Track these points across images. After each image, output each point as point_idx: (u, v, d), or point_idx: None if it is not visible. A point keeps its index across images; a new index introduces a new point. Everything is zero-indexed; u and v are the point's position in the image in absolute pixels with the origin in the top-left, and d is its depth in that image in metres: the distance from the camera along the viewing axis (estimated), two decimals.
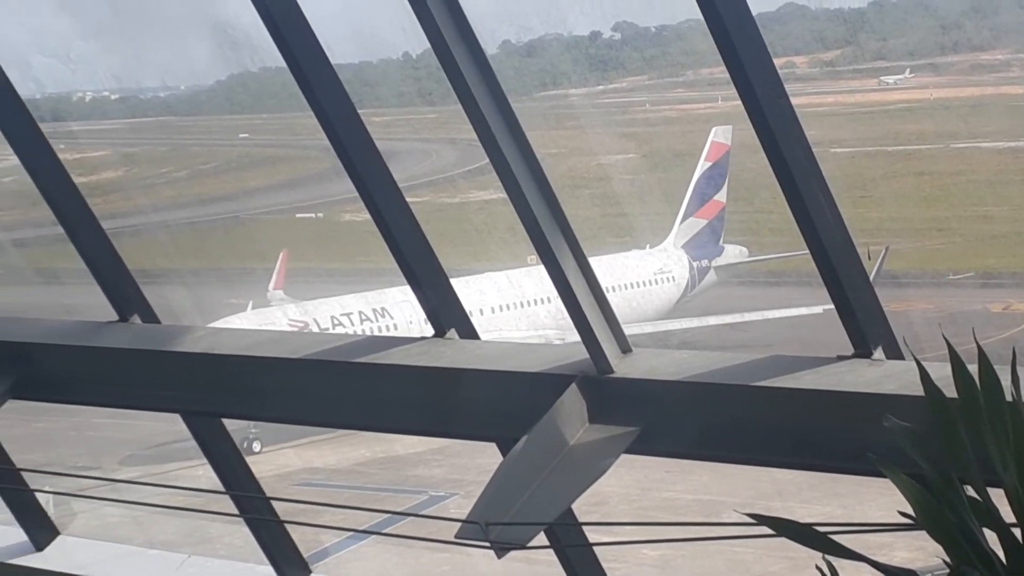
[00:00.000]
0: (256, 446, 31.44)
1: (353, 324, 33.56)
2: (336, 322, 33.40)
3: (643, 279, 38.24)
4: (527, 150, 7.52)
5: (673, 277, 39.22)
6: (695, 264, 39.67)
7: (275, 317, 33.07)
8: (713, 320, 35.99)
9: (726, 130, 40.05)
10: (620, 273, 36.88)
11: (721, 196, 40.37)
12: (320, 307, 34.34)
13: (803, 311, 32.65)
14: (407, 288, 8.57)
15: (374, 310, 33.80)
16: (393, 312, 33.42)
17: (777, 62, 6.88)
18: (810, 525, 5.12)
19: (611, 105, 48.00)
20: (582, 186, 43.07)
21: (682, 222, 40.21)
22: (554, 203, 7.61)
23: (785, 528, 5.10)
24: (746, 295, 38.79)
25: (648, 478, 26.46)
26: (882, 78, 45.31)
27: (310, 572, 10.34)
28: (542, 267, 7.72)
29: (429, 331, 8.50)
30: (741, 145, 37.06)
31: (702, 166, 40.19)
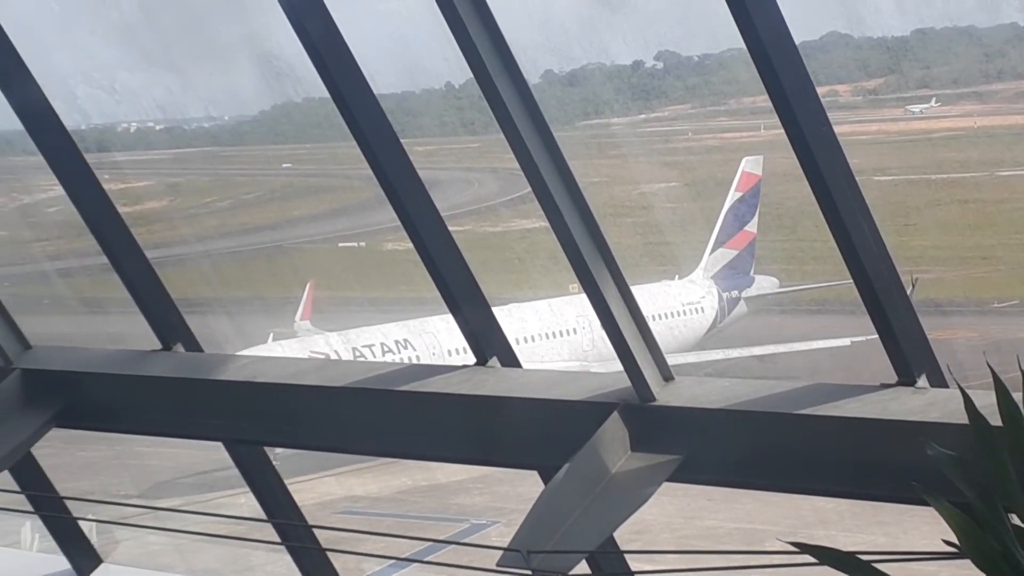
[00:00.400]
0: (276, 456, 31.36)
1: (374, 355, 33.42)
2: (358, 354, 33.28)
3: (671, 310, 37.88)
4: (569, 179, 7.53)
5: (702, 308, 38.84)
6: (725, 295, 39.33)
7: (294, 350, 32.80)
8: (735, 352, 35.64)
9: (756, 160, 39.88)
10: (647, 305, 36.50)
11: (752, 226, 40.05)
12: (342, 339, 34.00)
13: (831, 343, 32.43)
14: (430, 319, 8.60)
15: (396, 341, 33.72)
16: (415, 343, 33.37)
17: (820, 90, 6.87)
18: (853, 554, 5.10)
19: (653, 134, 47.99)
20: (624, 214, 43.05)
21: (712, 252, 39.88)
22: (596, 231, 7.61)
23: (828, 557, 5.09)
24: (780, 324, 38.66)
25: (690, 506, 26.37)
26: (908, 107, 45.15)
27: None
28: (584, 295, 7.73)
29: (453, 360, 8.50)
30: (784, 174, 36.95)
31: (732, 196, 39.90)
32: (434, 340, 33.14)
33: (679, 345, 36.10)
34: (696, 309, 38.53)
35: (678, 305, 38.19)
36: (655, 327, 37.26)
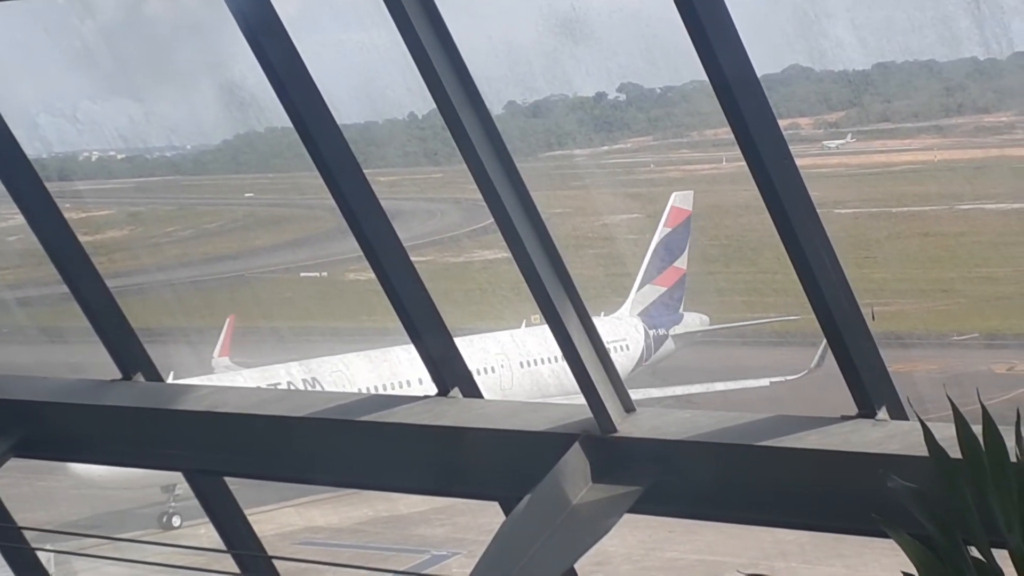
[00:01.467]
0: (176, 520, 31.17)
1: None
2: None
3: (536, 357, 36.51)
4: (532, 210, 7.54)
5: (628, 346, 38.22)
6: (652, 332, 38.83)
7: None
8: (639, 394, 35.36)
9: (686, 195, 39.73)
10: (524, 349, 35.90)
11: (681, 263, 39.59)
12: (249, 377, 33.33)
13: (750, 383, 32.34)
14: (392, 349, 8.59)
15: (303, 380, 33.35)
16: (324, 380, 33.13)
17: (782, 123, 6.91)
18: None
19: (616, 165, 48.15)
20: (586, 245, 43.16)
21: (639, 289, 39.37)
22: (558, 262, 7.62)
23: None
24: (740, 356, 38.59)
25: (652, 538, 26.38)
26: (824, 143, 45.33)
27: None
28: (545, 326, 7.73)
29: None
30: (746, 206, 37.10)
31: (661, 232, 39.49)
32: (343, 376, 33.01)
33: (542, 394, 35.42)
34: (621, 347, 37.66)
35: (543, 352, 36.38)
36: (517, 375, 36.54)
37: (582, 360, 7.59)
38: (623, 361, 37.21)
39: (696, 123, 46.86)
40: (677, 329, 39.51)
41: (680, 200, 39.55)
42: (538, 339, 34.59)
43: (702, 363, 38.09)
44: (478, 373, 34.29)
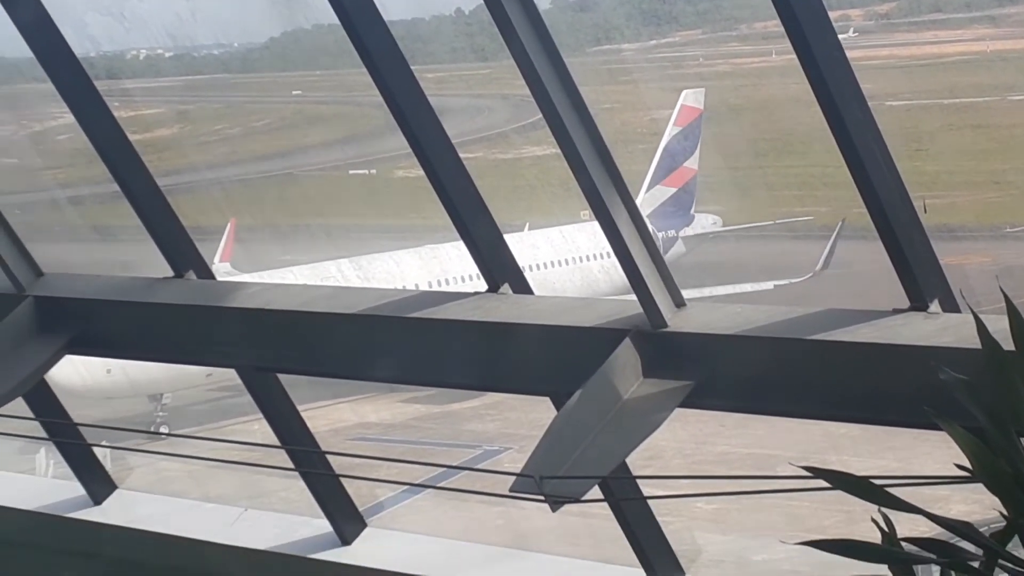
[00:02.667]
0: (164, 429, 31.23)
1: None
2: None
3: (601, 251, 35.36)
4: (580, 105, 7.51)
5: (604, 254, 37.60)
6: (660, 234, 38.06)
7: None
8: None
9: (697, 93, 39.08)
10: (573, 247, 35.49)
11: (692, 163, 38.80)
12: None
13: (748, 288, 31.84)
14: (441, 246, 8.60)
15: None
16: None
17: (832, 15, 6.83)
18: (866, 478, 5.11)
19: (664, 60, 47.79)
20: (635, 141, 42.96)
21: (648, 191, 38.45)
22: (607, 158, 7.59)
23: (841, 481, 5.09)
24: (792, 251, 38.23)
25: (703, 432, 26.47)
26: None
27: (365, 526, 10.41)
28: (595, 222, 7.72)
29: None
30: (795, 99, 36.77)
31: (670, 131, 38.77)
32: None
33: (611, 287, 35.08)
34: (611, 252, 36.89)
35: (607, 246, 36.90)
36: (584, 268, 36.33)
37: (632, 255, 7.59)
38: (596, 270, 36.06)
39: (745, 15, 46.41)
40: (688, 231, 38.86)
41: (691, 98, 38.94)
42: (588, 235, 34.50)
43: (725, 260, 37.77)
44: (528, 269, 34.20)
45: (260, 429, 10.39)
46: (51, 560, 12.06)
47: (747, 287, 31.82)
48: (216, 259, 35.67)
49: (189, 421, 31.45)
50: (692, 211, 39.22)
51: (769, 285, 31.56)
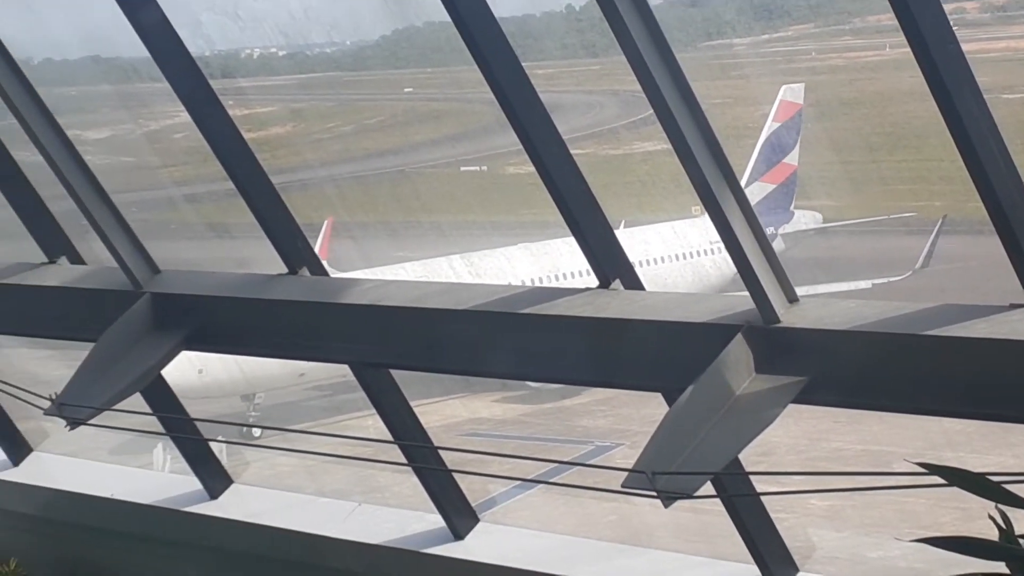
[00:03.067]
0: (255, 432, 31.09)
1: None
2: None
3: (696, 249, 35.62)
4: (691, 100, 7.49)
5: (716, 250, 37.08)
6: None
7: None
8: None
9: (797, 88, 38.52)
10: (670, 243, 35.09)
11: (792, 159, 38.04)
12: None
13: (845, 287, 31.25)
14: (552, 242, 8.60)
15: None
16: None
17: (947, 8, 6.76)
18: (983, 474, 5.06)
19: (776, 54, 47.42)
20: (746, 135, 42.64)
21: (747, 187, 37.95)
22: (719, 153, 7.57)
23: (957, 477, 5.05)
24: (908, 247, 37.69)
25: (816, 428, 26.25)
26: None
27: (478, 521, 10.45)
28: (707, 217, 7.70)
29: None
30: (910, 92, 36.36)
31: (769, 127, 38.23)
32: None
33: (703, 286, 34.36)
34: (722, 247, 36.35)
35: (704, 243, 35.51)
36: (677, 267, 35.91)
37: (744, 250, 7.56)
38: (708, 265, 35.73)
39: (859, 8, 45.97)
40: (787, 228, 37.90)
41: (790, 93, 38.44)
42: (699, 230, 34.33)
43: (828, 257, 37.27)
44: (639, 265, 34.06)
45: (373, 425, 10.46)
46: (169, 553, 12.22)
47: (843, 286, 31.38)
48: (318, 245, 35.81)
49: (303, 417, 31.69)
50: (791, 207, 38.69)
51: (867, 284, 31.12)
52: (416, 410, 10.19)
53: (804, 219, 38.67)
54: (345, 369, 10.26)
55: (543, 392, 30.57)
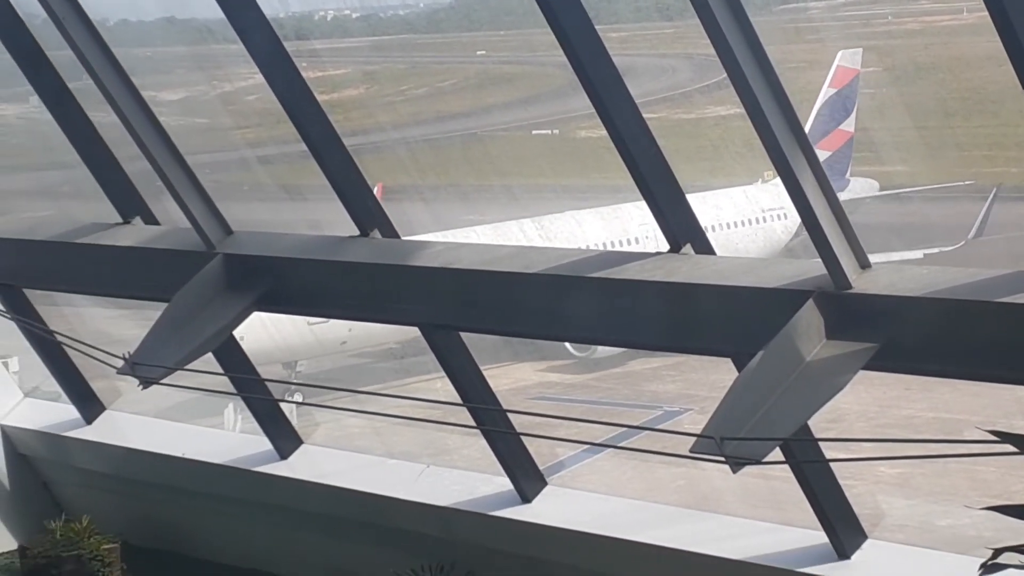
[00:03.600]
0: (298, 397, 30.93)
1: None
2: None
3: (749, 217, 35.12)
4: (765, 64, 7.44)
5: (786, 214, 35.17)
6: None
7: None
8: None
9: (854, 53, 37.86)
10: (721, 211, 34.40)
11: (848, 125, 37.08)
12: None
13: (896, 256, 30.73)
14: (623, 206, 8.57)
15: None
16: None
17: None
18: None
19: (852, 18, 47.01)
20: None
21: None
22: (792, 118, 7.53)
23: None
24: (912, 218, 36.98)
25: (887, 395, 26.10)
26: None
27: (546, 484, 10.47)
28: (779, 182, 7.66)
29: None
30: (987, 57, 35.94)
31: (825, 93, 37.33)
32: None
33: (757, 254, 33.34)
34: (778, 215, 35.21)
35: (757, 211, 35.33)
36: (729, 235, 35.39)
37: (816, 216, 7.52)
38: (779, 231, 35.44)
39: None
40: (842, 196, 37.72)
41: (846, 59, 37.87)
42: (771, 196, 34.12)
43: (891, 223, 36.79)
44: (710, 229, 33.80)
45: (443, 387, 10.49)
46: (238, 512, 12.33)
47: (894, 256, 31.00)
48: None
49: (375, 378, 31.82)
50: (847, 175, 38.08)
51: (918, 254, 30.74)
52: (485, 373, 10.21)
53: (860, 187, 38.02)
54: (388, 338, 10.33)
55: (588, 362, 30.45)
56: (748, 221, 35.58)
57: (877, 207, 37.92)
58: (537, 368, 30.53)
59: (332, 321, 27.12)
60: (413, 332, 10.46)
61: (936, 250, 30.55)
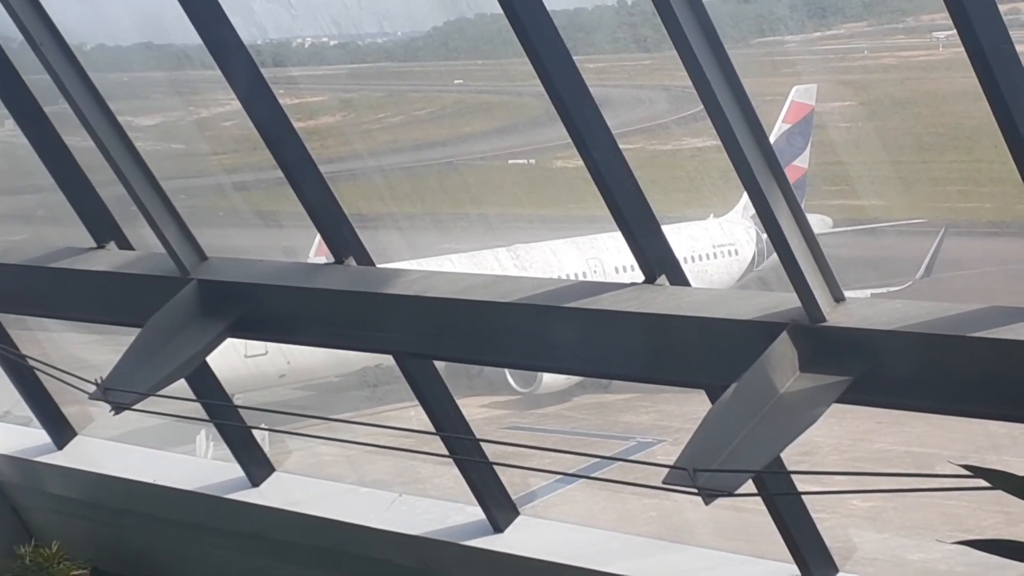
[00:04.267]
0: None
1: None
2: None
3: (700, 253, 34.74)
4: (742, 97, 7.46)
5: (736, 251, 35.64)
6: (764, 236, 36.62)
7: None
8: None
9: (808, 89, 37.90)
10: (720, 238, 34.53)
11: (802, 161, 36.22)
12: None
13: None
14: (599, 236, 8.59)
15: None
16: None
17: (1002, 8, 6.72)
18: None
19: (829, 52, 47.17)
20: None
21: None
22: (768, 150, 7.55)
23: (1001, 481, 5.02)
24: (954, 247, 37.16)
25: (859, 428, 26.15)
26: (933, 34, 42.56)
27: (518, 514, 10.45)
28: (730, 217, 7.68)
29: None
30: (963, 93, 36.11)
31: (779, 128, 37.37)
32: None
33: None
34: (729, 251, 35.32)
35: (708, 247, 34.98)
36: (724, 263, 35.09)
37: (791, 248, 7.53)
38: (733, 267, 35.47)
39: (912, 8, 45.70)
40: None
41: (801, 94, 37.88)
42: (724, 232, 34.16)
43: (851, 258, 36.73)
44: (685, 261, 33.66)
45: (416, 416, 10.47)
46: (210, 539, 12.27)
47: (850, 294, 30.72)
48: (311, 253, 35.24)
49: (347, 407, 31.73)
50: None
51: (865, 294, 30.66)
52: (458, 401, 10.20)
53: (813, 223, 37.69)
54: (329, 372, 10.34)
55: (529, 398, 30.24)
56: (725, 252, 35.57)
57: (850, 240, 37.96)
58: (480, 403, 30.49)
59: (270, 353, 26.99)
60: (357, 365, 10.51)
61: (883, 289, 30.52)
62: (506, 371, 31.13)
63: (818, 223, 37.29)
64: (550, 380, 28.86)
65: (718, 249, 35.41)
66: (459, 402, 10.14)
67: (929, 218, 38.80)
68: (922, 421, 23.81)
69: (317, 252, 36.07)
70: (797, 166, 37.20)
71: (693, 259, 34.62)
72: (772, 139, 35.39)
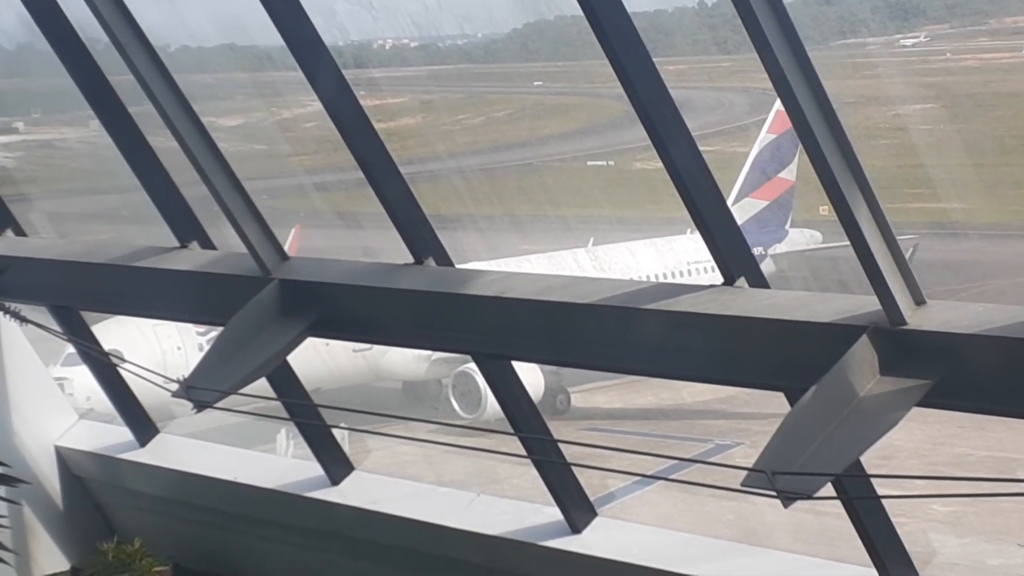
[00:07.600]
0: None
1: None
2: None
3: (674, 269, 33.59)
4: (823, 99, 7.43)
5: (713, 267, 34.68)
6: None
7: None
8: None
9: None
10: (649, 263, 33.42)
11: (789, 173, 35.45)
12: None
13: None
14: (677, 238, 8.56)
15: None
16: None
17: None
18: None
19: (910, 54, 46.91)
20: (877, 136, 42.24)
21: (735, 203, 34.15)
22: (849, 153, 7.51)
23: None
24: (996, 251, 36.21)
25: (940, 433, 26.00)
26: (901, 40, 41.06)
27: (596, 515, 10.45)
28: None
29: None
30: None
31: (763, 139, 35.61)
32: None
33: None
34: (704, 268, 32.37)
35: (682, 264, 33.67)
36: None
37: (872, 251, 7.50)
38: (708, 284, 33.89)
39: (996, 10, 45.36)
40: (779, 248, 35.43)
41: None
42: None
43: (958, 260, 36.20)
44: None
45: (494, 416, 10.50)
46: (288, 537, 12.36)
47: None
48: (287, 244, 34.19)
49: (428, 408, 31.86)
50: (787, 226, 36.09)
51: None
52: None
53: (800, 238, 36.13)
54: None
55: (476, 424, 29.13)
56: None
57: (933, 244, 37.59)
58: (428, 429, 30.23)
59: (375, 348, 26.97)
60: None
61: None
62: (452, 397, 30.74)
63: (807, 238, 36.19)
64: (494, 408, 28.47)
65: (692, 266, 33.69)
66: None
67: (1011, 221, 38.43)
68: (1004, 425, 23.64)
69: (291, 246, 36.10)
70: (783, 178, 35.83)
71: (665, 276, 33.37)
72: (755, 150, 34.41)
